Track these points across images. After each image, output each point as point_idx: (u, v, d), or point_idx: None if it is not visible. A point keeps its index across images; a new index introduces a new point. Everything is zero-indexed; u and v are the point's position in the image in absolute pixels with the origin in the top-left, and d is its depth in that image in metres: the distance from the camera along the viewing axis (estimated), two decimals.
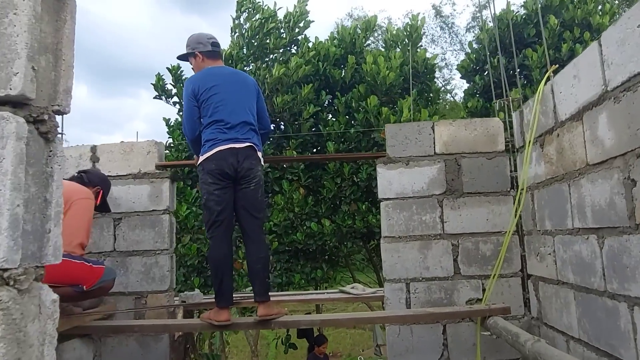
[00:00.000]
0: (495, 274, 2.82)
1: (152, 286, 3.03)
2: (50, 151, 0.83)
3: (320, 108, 5.05)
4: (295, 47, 5.56)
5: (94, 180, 2.79)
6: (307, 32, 5.62)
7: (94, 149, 3.15)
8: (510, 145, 3.17)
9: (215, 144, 2.59)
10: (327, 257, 5.42)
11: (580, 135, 2.17)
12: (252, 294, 2.74)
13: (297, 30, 5.39)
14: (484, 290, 2.94)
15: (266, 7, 5.42)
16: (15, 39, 0.78)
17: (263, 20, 5.19)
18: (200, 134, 2.71)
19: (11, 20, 0.79)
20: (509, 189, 3.05)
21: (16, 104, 0.79)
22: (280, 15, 5.47)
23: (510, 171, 3.11)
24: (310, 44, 5.33)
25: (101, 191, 2.82)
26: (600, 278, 2.04)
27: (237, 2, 5.58)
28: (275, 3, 5.50)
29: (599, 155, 2.01)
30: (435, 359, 2.92)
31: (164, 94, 5.51)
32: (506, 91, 3.54)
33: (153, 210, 3.08)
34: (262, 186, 2.73)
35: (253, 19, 5.36)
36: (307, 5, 5.43)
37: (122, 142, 3.17)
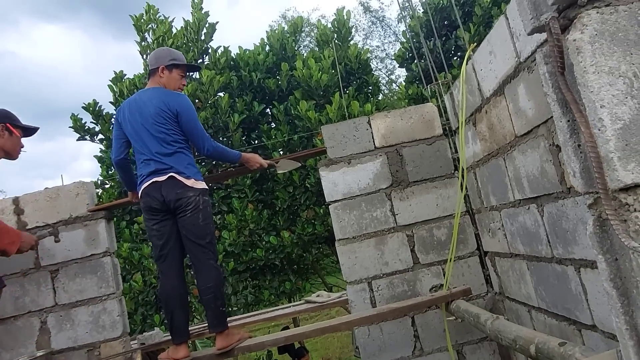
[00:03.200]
0: (451, 257, 2.82)
1: (104, 335, 2.83)
2: None
3: (246, 115, 4.91)
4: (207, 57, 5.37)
5: None
6: (234, 40, 5.50)
7: (16, 200, 2.92)
8: (447, 128, 3.19)
9: (142, 181, 2.58)
10: (295, 267, 5.32)
11: (505, 109, 2.19)
12: None
13: (202, 37, 5.20)
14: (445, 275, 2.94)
15: (160, 22, 5.19)
16: None
17: (160, 39, 4.99)
18: (126, 159, 2.74)
19: None
20: (453, 171, 3.06)
21: None
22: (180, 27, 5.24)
23: (452, 153, 3.12)
24: (232, 53, 5.17)
25: (7, 124, 2.46)
26: (546, 245, 2.06)
27: (134, 25, 5.30)
28: (166, 18, 5.27)
29: (524, 126, 2.03)
30: (409, 352, 2.89)
31: (87, 134, 5.25)
32: (436, 76, 3.58)
33: (92, 254, 2.88)
34: (204, 210, 2.55)
35: (151, 39, 5.15)
36: (202, 9, 5.23)
37: (47, 188, 2.95)
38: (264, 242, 4.72)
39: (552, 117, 1.80)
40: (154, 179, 2.50)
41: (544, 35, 0.91)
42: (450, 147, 3.14)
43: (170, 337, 2.99)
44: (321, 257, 5.99)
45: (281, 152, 4.98)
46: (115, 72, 5.39)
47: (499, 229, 2.62)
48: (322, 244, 5.31)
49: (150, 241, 2.70)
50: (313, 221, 4.84)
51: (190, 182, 2.52)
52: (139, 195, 2.60)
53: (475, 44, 2.62)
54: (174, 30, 5.27)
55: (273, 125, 5.23)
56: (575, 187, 0.93)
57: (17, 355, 2.77)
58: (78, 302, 2.85)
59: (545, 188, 1.96)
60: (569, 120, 0.89)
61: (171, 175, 2.50)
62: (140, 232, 4.77)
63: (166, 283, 2.53)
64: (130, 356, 2.83)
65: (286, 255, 4.83)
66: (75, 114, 5.17)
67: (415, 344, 2.91)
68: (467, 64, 2.61)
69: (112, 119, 5.37)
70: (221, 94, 4.92)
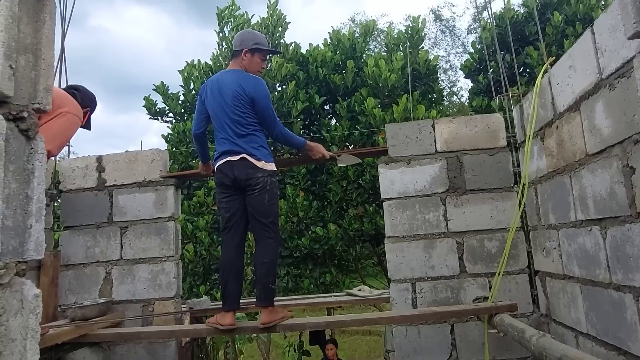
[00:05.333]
0: (500, 271, 2.78)
1: (159, 293, 3.05)
2: (32, 148, 0.86)
3: (307, 105, 5.06)
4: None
5: (85, 101, 2.64)
6: (305, 38, 5.80)
7: (99, 159, 3.22)
8: (512, 141, 3.14)
9: (217, 159, 2.73)
10: (336, 261, 5.41)
11: (579, 125, 2.14)
12: None
13: (278, 34, 5.48)
14: (491, 288, 2.90)
15: (239, 15, 5.51)
16: None
17: (239, 28, 5.30)
18: (204, 133, 2.90)
19: None
20: (512, 185, 3.02)
21: None
22: (257, 22, 5.59)
23: (513, 166, 3.07)
24: (302, 50, 5.42)
25: (89, 113, 2.68)
26: (605, 270, 2.00)
27: (217, 14, 5.69)
28: (246, 12, 5.63)
29: (597, 144, 1.98)
30: (444, 359, 2.88)
31: (158, 114, 5.62)
32: (506, 88, 3.52)
33: (158, 217, 3.12)
34: (270, 191, 2.67)
35: (229, 31, 5.51)
36: (277, 6, 5.51)
37: (127, 151, 3.23)
38: (310, 232, 4.84)
39: (629, 137, 1.76)
40: (228, 158, 2.66)
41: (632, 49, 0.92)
42: (513, 160, 3.09)
43: (217, 306, 3.18)
44: (364, 256, 6.03)
45: (337, 147, 5.08)
46: (187, 62, 5.77)
47: (555, 248, 2.56)
48: (366, 242, 5.35)
49: (219, 212, 2.85)
50: (362, 218, 4.90)
51: (260, 164, 2.65)
52: (215, 170, 2.77)
53: (553, 57, 2.57)
54: (251, 24, 5.62)
55: (334, 121, 5.35)
56: None
57: (82, 299, 3.06)
58: (140, 260, 3.10)
59: (612, 210, 1.91)
60: None
61: (243, 157, 2.64)
62: (198, 205, 5.05)
63: (226, 253, 2.69)
64: (181, 317, 3.04)
65: (330, 248, 4.92)
66: (149, 97, 5.58)
67: (451, 352, 2.90)
68: (542, 76, 2.57)
69: (180, 100, 5.76)
70: (287, 83, 5.14)
